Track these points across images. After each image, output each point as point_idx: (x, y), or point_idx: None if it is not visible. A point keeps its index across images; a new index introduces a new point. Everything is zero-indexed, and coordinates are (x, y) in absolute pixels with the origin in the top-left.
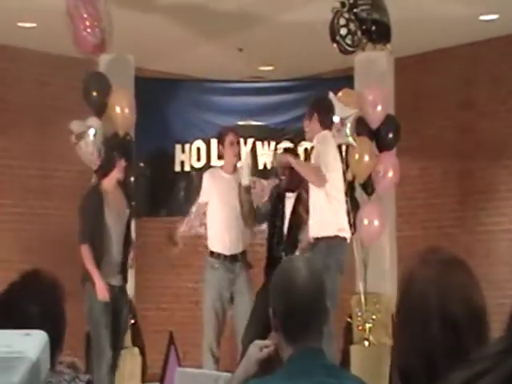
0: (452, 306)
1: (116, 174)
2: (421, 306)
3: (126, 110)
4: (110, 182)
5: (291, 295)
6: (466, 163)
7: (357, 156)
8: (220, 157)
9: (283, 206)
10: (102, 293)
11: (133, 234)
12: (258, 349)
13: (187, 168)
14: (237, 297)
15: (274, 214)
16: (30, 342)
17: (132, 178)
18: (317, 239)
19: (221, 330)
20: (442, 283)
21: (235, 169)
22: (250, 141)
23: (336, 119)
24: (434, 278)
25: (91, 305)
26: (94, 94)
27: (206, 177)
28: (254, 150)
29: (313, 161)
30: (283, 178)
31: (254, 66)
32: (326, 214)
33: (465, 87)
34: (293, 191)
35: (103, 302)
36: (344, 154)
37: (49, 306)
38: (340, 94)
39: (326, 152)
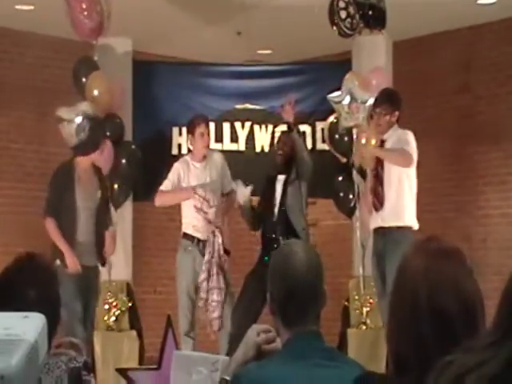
0: (441, 297)
1: (96, 156)
2: (410, 295)
3: (105, 93)
4: (86, 162)
5: (289, 279)
6: (464, 147)
7: (364, 140)
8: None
9: (274, 187)
10: (72, 265)
11: (129, 217)
12: (256, 333)
13: (184, 151)
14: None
15: (266, 196)
16: (29, 325)
17: (124, 160)
18: (407, 228)
19: (194, 313)
20: (431, 273)
21: (205, 158)
22: (248, 124)
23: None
24: (424, 267)
25: (64, 288)
26: (84, 79)
27: (177, 168)
28: (251, 133)
29: (392, 145)
30: (280, 153)
31: (252, 49)
32: (413, 205)
33: (463, 71)
34: (285, 173)
35: (75, 283)
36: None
37: (45, 289)
38: (347, 76)
39: (411, 140)
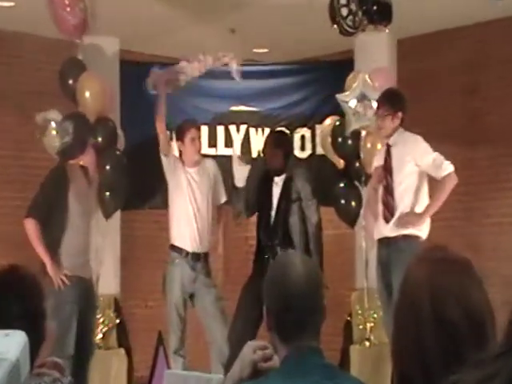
0: (446, 310)
1: (84, 157)
2: (414, 308)
3: (97, 95)
4: (76, 165)
5: (287, 293)
6: (472, 151)
7: (369, 145)
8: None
9: (270, 191)
10: (55, 276)
11: (117, 227)
12: (252, 350)
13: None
14: (199, 295)
15: (261, 199)
16: (10, 343)
17: (108, 167)
18: (414, 237)
19: (184, 329)
20: (435, 285)
21: (197, 164)
22: (243, 127)
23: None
24: (428, 278)
25: (59, 301)
26: (71, 81)
27: (171, 162)
28: (247, 136)
29: (411, 158)
30: (266, 158)
31: (247, 48)
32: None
33: (471, 70)
34: (279, 174)
35: (74, 296)
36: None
37: (29, 304)
38: (350, 76)
39: (429, 148)
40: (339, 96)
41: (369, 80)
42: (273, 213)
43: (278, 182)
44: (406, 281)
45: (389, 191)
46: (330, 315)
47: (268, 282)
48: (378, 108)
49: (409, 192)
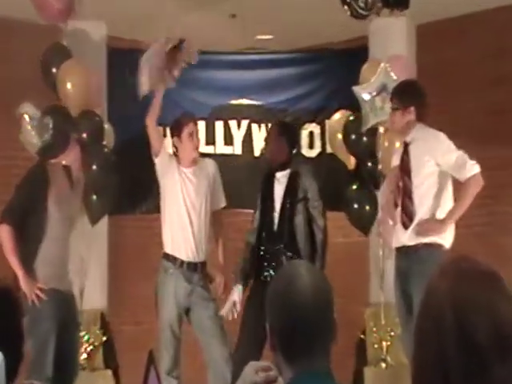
0: (469, 318)
1: (66, 157)
2: (436, 325)
3: (81, 85)
4: (58, 165)
5: (293, 308)
6: (498, 149)
7: (386, 143)
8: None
9: (272, 189)
10: (29, 291)
11: (104, 233)
12: (254, 370)
13: None
14: (195, 310)
15: (263, 199)
16: None
17: (95, 167)
18: (436, 245)
19: (178, 347)
20: (460, 299)
21: (194, 163)
22: (245, 123)
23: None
24: (451, 292)
25: (35, 317)
26: (54, 70)
27: (164, 159)
28: (249, 133)
29: (427, 157)
30: (268, 149)
31: (249, 34)
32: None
33: (498, 59)
34: (282, 168)
35: (52, 311)
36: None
37: (7, 322)
38: (366, 65)
39: (452, 145)
40: (356, 88)
41: (389, 68)
42: (276, 214)
43: (281, 178)
44: (429, 294)
45: (407, 194)
46: (341, 333)
47: (271, 295)
48: (390, 101)
49: (429, 195)
